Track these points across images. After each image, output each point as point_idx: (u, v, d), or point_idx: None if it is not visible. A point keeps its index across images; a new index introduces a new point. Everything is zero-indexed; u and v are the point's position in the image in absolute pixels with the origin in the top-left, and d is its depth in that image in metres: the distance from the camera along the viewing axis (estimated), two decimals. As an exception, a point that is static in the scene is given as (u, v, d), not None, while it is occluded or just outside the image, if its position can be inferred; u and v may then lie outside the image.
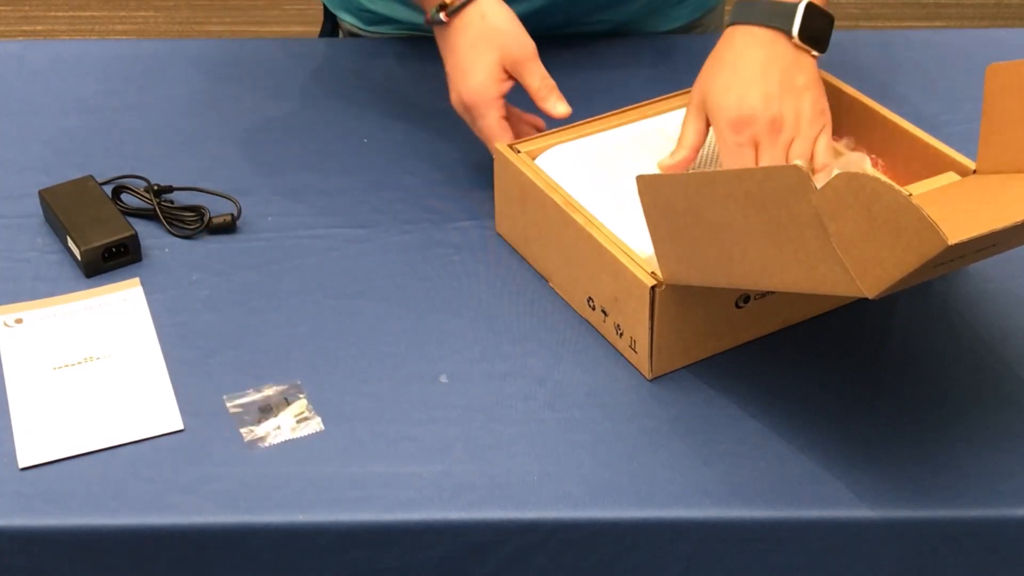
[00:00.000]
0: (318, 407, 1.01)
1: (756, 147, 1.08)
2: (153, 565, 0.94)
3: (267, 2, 3.14)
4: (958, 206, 1.02)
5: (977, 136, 1.07)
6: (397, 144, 1.29)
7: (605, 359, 1.06)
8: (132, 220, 1.17)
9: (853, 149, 1.19)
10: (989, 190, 1.03)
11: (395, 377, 1.04)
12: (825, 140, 1.10)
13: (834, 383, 1.04)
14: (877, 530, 0.94)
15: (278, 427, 0.99)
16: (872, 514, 0.94)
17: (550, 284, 1.13)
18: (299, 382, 1.03)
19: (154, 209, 1.18)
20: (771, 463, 0.97)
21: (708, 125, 1.11)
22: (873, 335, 1.09)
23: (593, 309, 1.07)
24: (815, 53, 1.11)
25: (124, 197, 1.20)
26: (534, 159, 1.14)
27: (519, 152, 1.14)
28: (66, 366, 1.05)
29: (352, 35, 1.48)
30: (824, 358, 1.06)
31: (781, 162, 1.08)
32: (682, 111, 1.14)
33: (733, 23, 1.13)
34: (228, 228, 1.18)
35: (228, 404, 1.01)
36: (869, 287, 0.83)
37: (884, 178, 1.13)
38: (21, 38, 3.00)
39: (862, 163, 1.16)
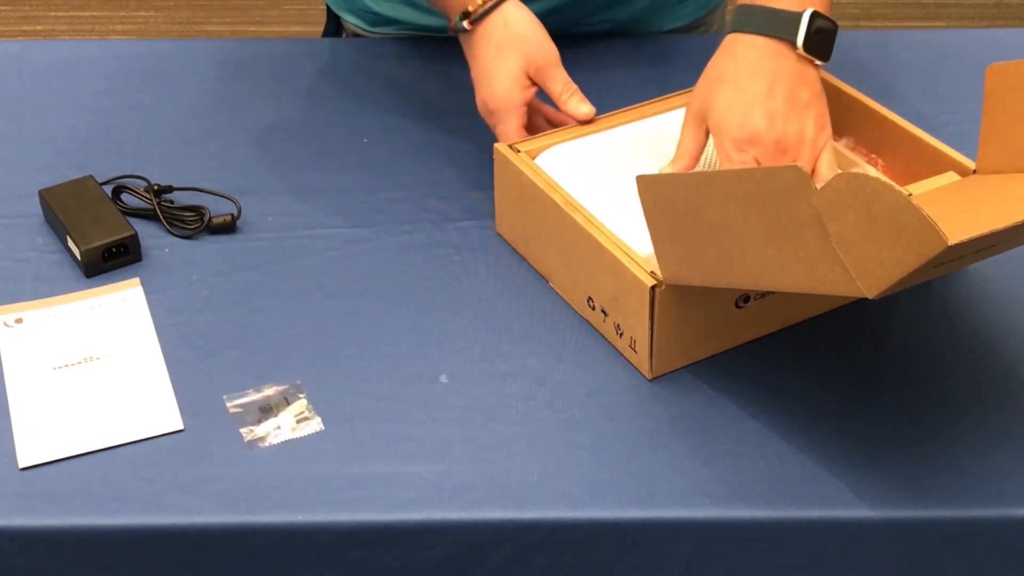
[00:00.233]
0: (318, 407, 1.01)
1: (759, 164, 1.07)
2: (153, 565, 0.94)
3: (267, 2, 3.14)
4: (958, 206, 1.02)
5: (977, 136, 1.07)
6: (397, 144, 1.29)
7: (605, 359, 1.06)
8: (132, 220, 1.17)
9: (853, 149, 1.19)
10: (989, 190, 1.03)
11: (395, 377, 1.04)
12: (828, 156, 1.08)
13: (834, 383, 1.04)
14: (877, 530, 0.94)
15: (278, 427, 0.99)
16: (872, 514, 0.94)
17: (550, 284, 1.13)
18: (299, 382, 1.03)
19: (154, 209, 1.18)
20: (771, 463, 0.97)
21: (707, 135, 1.09)
22: (873, 335, 1.09)
23: (593, 309, 1.07)
24: (818, 63, 1.08)
25: (124, 197, 1.20)
26: (534, 159, 1.14)
27: (519, 152, 1.14)
28: (66, 366, 1.05)
29: (355, 36, 1.48)
30: (824, 358, 1.06)
31: None
32: (682, 111, 1.14)
33: (734, 31, 1.09)
34: (228, 228, 1.18)
35: (228, 404, 1.01)
36: (869, 287, 0.83)
37: (884, 178, 1.13)
38: (21, 38, 3.00)
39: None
